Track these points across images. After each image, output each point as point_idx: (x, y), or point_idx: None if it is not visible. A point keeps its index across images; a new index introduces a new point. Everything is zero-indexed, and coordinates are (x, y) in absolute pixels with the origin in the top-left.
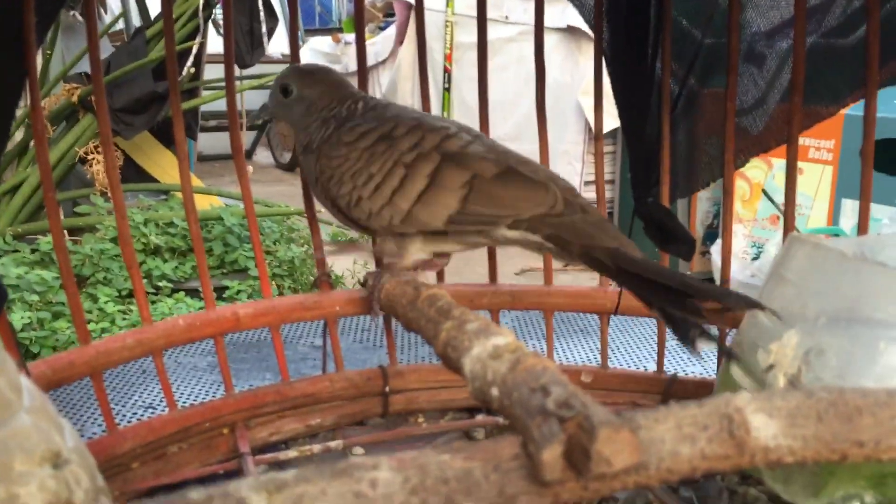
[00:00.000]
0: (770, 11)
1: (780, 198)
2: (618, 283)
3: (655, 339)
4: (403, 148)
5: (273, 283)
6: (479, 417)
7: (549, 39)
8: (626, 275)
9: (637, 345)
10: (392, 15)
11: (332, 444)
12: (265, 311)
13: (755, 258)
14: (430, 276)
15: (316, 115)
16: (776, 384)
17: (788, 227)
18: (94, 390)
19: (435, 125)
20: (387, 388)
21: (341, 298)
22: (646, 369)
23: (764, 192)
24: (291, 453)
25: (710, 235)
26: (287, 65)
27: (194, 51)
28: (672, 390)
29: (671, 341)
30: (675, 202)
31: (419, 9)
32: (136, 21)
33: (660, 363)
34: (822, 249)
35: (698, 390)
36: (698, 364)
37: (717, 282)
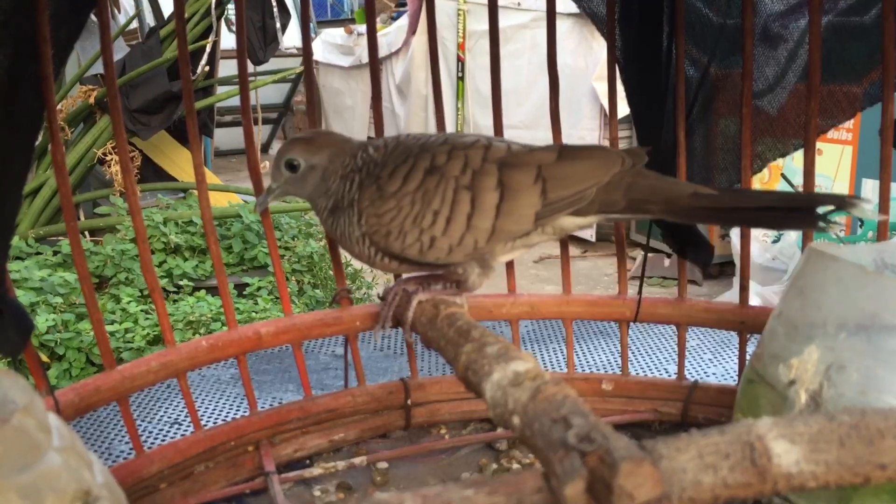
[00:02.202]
0: None
1: (799, 180)
2: (709, 222)
3: (675, 343)
4: (455, 172)
5: (293, 278)
6: (501, 430)
7: (563, 25)
8: (719, 211)
9: (657, 348)
10: (404, 5)
11: (357, 460)
12: (286, 329)
13: (775, 241)
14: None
15: (333, 178)
16: (798, 401)
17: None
18: (122, 414)
19: (466, 142)
20: (409, 401)
21: (361, 313)
22: (667, 372)
23: (783, 175)
24: (316, 471)
25: None
26: (300, 59)
27: (208, 49)
28: (693, 397)
29: (691, 344)
30: None
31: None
32: (151, 21)
33: (680, 370)
34: (840, 262)
35: (720, 397)
36: (719, 366)
37: (737, 270)
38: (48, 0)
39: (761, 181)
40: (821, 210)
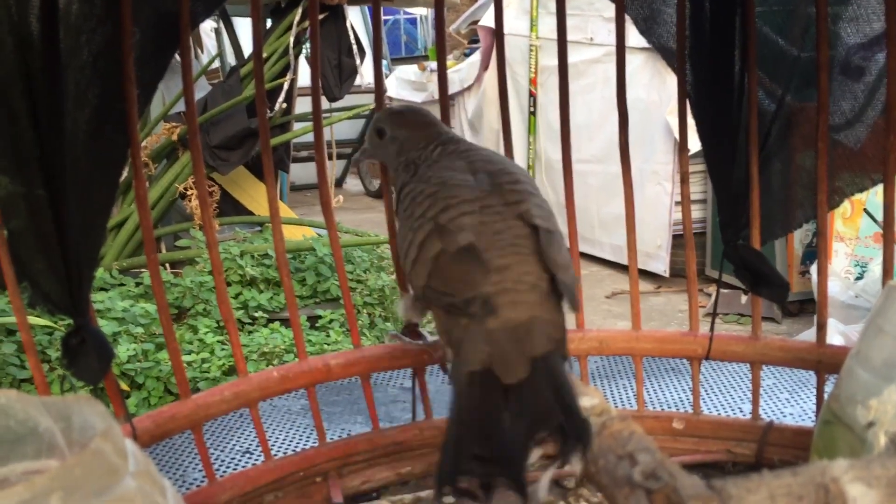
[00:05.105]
0: (865, 25)
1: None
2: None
3: (749, 381)
4: (416, 214)
5: (364, 311)
6: (568, 467)
7: (635, 59)
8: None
9: (731, 387)
10: (477, 41)
11: (423, 493)
12: (355, 362)
13: (858, 278)
14: None
15: (404, 157)
16: (877, 443)
17: (888, 256)
18: (195, 443)
19: (453, 191)
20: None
21: (429, 346)
22: (741, 411)
23: (866, 210)
24: (383, 503)
25: (810, 255)
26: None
27: (286, 87)
28: (768, 438)
29: (767, 384)
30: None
31: (499, 35)
32: (232, 60)
33: (755, 409)
34: None
35: (797, 438)
36: (796, 406)
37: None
38: (134, 42)
39: (843, 216)
40: None
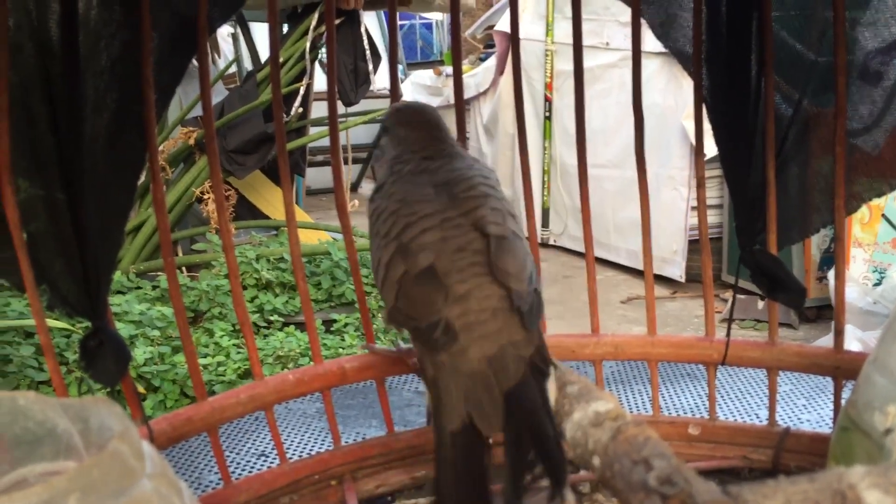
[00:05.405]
0: (884, 29)
1: None
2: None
3: (766, 387)
4: (381, 232)
5: (379, 315)
6: (584, 472)
7: (652, 64)
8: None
9: (747, 393)
10: (492, 46)
11: None
12: (370, 365)
13: (876, 283)
14: None
15: (393, 154)
16: (895, 449)
17: None
18: (211, 445)
19: (412, 208)
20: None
21: None
22: (758, 417)
23: (884, 216)
24: None
25: (827, 260)
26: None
27: (302, 91)
28: (785, 444)
29: (784, 389)
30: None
31: (515, 39)
32: (249, 65)
33: (771, 415)
34: None
35: (814, 444)
36: (813, 413)
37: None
38: (153, 47)
39: (861, 221)
40: None
